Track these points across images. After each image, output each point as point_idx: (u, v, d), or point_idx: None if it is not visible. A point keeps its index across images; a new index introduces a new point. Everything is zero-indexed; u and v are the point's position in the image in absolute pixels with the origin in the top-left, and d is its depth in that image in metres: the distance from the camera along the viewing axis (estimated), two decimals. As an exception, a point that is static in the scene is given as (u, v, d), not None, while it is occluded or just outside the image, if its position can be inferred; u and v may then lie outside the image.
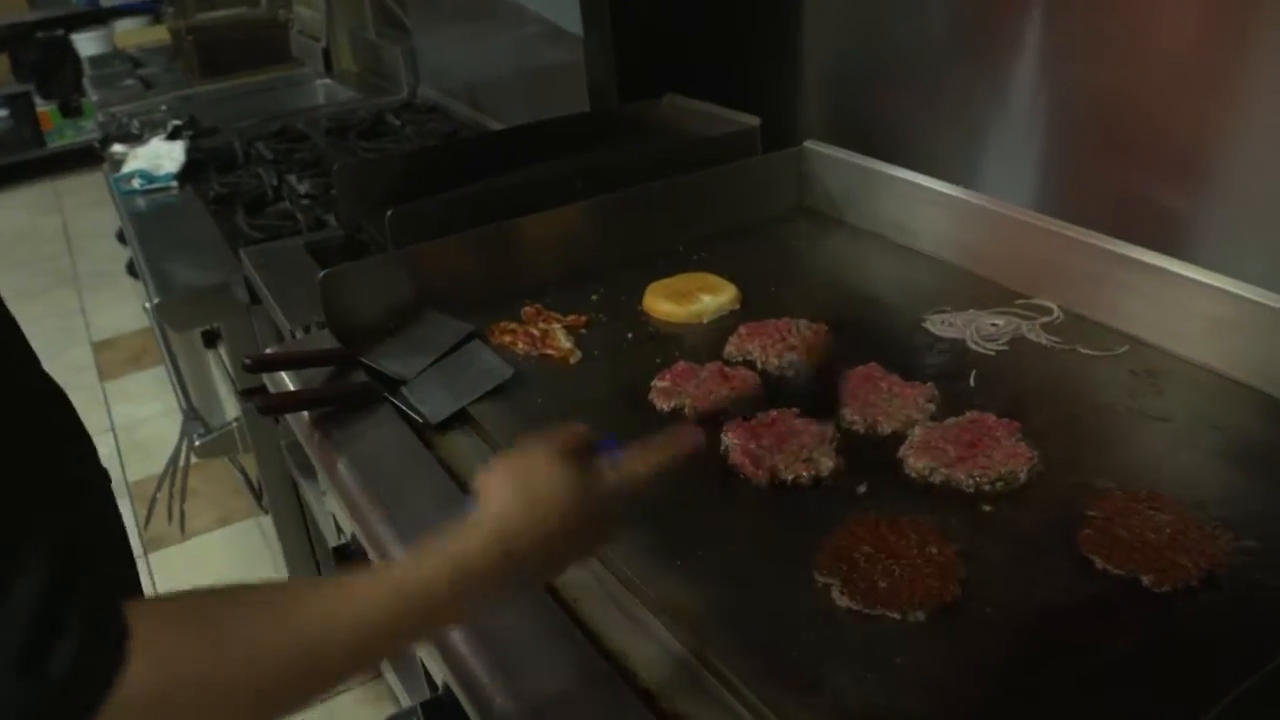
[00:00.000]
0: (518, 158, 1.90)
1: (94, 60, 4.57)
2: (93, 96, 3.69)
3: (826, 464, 1.12)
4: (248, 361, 1.39)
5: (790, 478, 1.11)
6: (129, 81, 3.75)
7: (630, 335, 1.47)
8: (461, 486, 1.17)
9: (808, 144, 1.82)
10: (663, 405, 1.26)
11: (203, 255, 2.10)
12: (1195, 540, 0.97)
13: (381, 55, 3.37)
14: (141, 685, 0.61)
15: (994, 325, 1.40)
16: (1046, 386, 1.27)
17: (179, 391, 2.15)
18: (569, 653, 0.94)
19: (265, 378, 1.47)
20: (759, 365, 1.35)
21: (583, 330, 1.49)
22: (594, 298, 1.58)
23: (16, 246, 5.66)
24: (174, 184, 2.47)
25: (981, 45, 1.55)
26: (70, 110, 6.49)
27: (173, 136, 2.74)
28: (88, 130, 4.12)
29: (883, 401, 1.22)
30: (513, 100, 2.61)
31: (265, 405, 1.39)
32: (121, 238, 2.84)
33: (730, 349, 1.39)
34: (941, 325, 1.42)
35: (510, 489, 0.82)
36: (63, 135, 6.56)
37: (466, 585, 0.77)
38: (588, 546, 0.91)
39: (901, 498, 1.08)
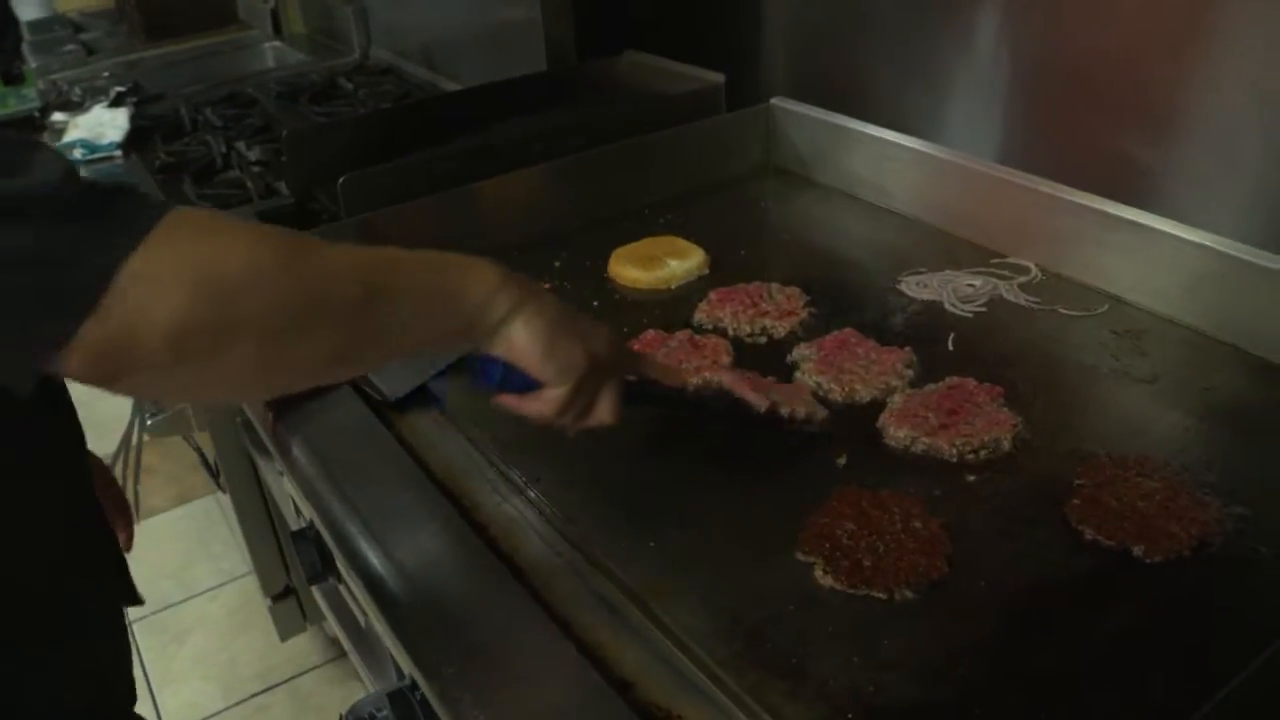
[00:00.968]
0: (474, 120, 1.84)
1: (33, 25, 4.42)
2: (32, 63, 3.57)
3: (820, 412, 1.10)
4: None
5: (787, 413, 1.07)
6: (70, 47, 3.62)
7: (596, 303, 1.42)
8: (423, 468, 1.12)
9: (774, 101, 1.77)
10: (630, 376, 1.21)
11: (149, 227, 2.01)
12: (1185, 507, 0.94)
13: (332, 16, 3.27)
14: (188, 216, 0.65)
15: (971, 286, 1.36)
16: (1027, 349, 1.24)
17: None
18: (540, 642, 0.89)
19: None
20: (730, 333, 1.30)
21: (546, 299, 1.44)
22: (557, 264, 1.53)
23: (-39, 220, 5.50)
24: (118, 153, 2.38)
25: (950, -5, 1.50)
26: (12, 78, 6.30)
27: (116, 104, 2.64)
28: (30, 99, 3.99)
29: (860, 368, 1.18)
30: (469, 60, 2.54)
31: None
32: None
33: (700, 316, 1.34)
34: (917, 287, 1.37)
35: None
36: (5, 104, 6.37)
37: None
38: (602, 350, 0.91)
39: (883, 469, 1.04)
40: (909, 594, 0.88)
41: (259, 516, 2.19)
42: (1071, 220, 1.33)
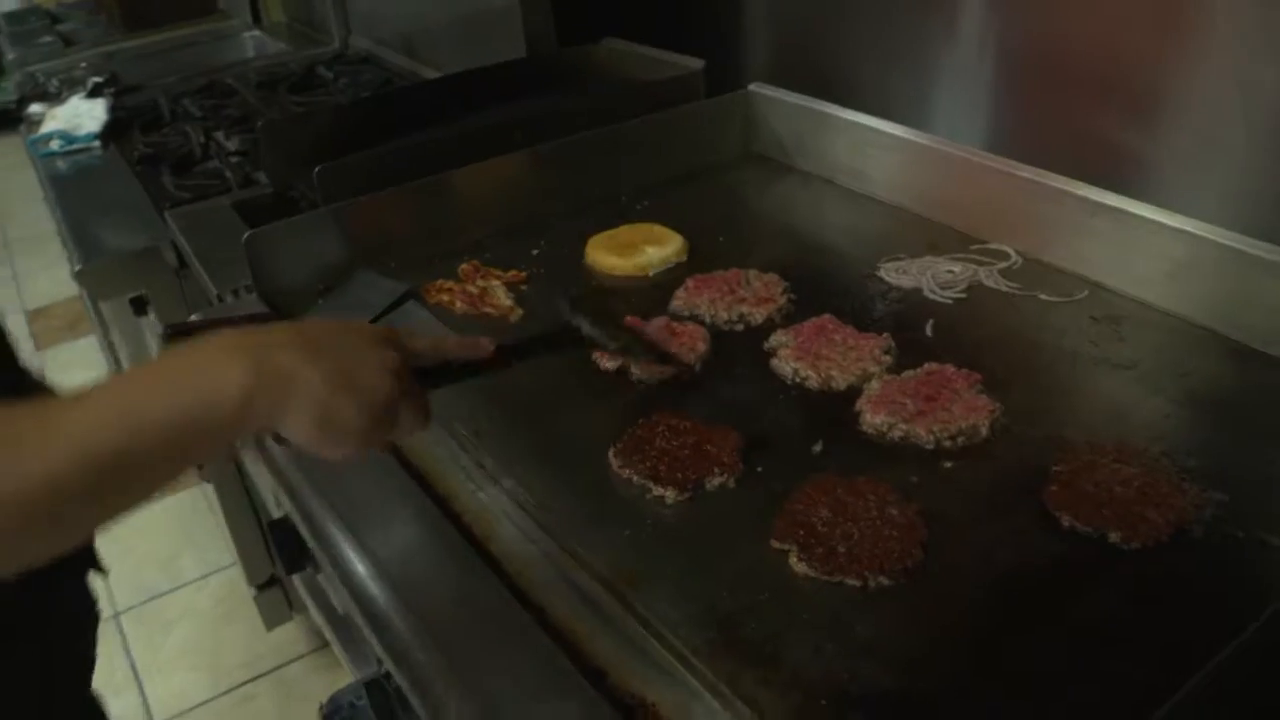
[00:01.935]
0: (452, 107, 1.83)
1: (10, 16, 4.38)
2: (9, 55, 3.54)
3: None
4: (167, 329, 1.31)
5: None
6: (47, 38, 3.60)
7: (574, 292, 1.41)
8: (397, 457, 1.11)
9: (753, 87, 1.76)
10: (608, 364, 1.20)
11: (127, 218, 1.99)
12: (1164, 494, 0.93)
13: (312, 4, 3.25)
14: None
15: (950, 272, 1.35)
16: (1006, 335, 1.23)
17: (112, 361, 2.06)
18: (514, 630, 0.88)
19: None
20: (708, 320, 1.29)
21: (523, 287, 1.43)
22: (534, 252, 1.52)
23: (-61, 214, 5.46)
24: (96, 144, 2.36)
25: (931, -20, 1.49)
26: (-11, 72, 6.25)
27: (93, 94, 2.62)
28: (7, 91, 3.95)
29: (837, 354, 1.17)
30: (448, 48, 2.52)
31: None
32: (51, 202, 2.72)
33: (678, 303, 1.33)
34: (896, 273, 1.37)
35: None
36: (-15, 97, 6.31)
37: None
38: (386, 384, 0.80)
39: (859, 456, 1.03)
40: (884, 581, 0.87)
41: (242, 507, 2.18)
42: (1052, 206, 1.33)
